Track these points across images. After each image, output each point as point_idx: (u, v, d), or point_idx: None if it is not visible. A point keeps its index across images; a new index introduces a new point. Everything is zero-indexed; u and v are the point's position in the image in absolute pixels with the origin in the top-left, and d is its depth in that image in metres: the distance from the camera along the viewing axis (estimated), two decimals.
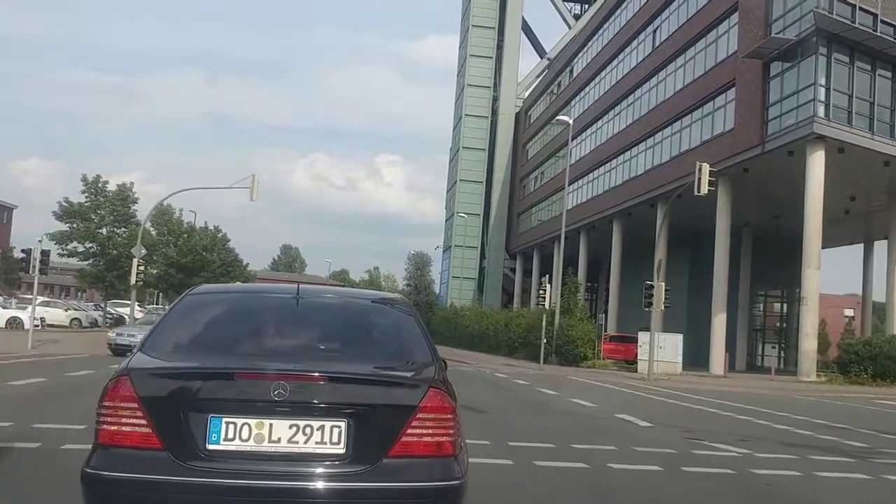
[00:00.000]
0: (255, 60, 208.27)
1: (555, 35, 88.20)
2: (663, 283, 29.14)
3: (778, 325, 58.04)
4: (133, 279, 29.34)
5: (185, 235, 60.20)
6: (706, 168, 26.47)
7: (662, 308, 28.87)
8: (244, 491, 3.62)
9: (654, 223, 43.39)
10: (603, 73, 56.86)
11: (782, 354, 53.36)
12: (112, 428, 3.73)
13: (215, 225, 68.29)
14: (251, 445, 3.72)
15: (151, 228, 57.08)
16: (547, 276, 40.91)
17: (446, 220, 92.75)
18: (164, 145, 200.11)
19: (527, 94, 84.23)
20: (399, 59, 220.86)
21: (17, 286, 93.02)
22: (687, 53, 42.60)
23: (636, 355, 40.91)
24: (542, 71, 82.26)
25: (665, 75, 45.20)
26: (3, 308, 38.10)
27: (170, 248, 58.77)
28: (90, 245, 44.33)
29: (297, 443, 3.75)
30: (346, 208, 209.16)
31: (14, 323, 36.60)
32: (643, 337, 33.20)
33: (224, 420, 3.72)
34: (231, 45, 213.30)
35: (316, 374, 3.88)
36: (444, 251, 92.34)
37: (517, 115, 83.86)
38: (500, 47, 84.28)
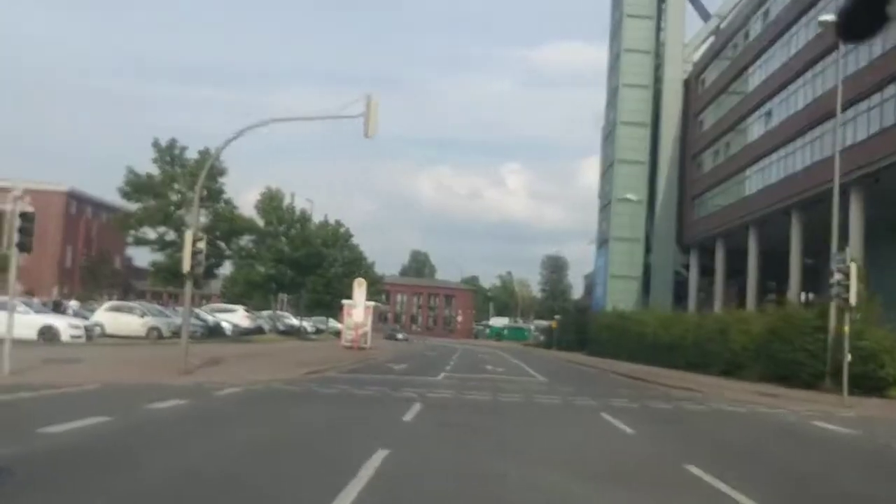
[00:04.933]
0: (375, 73, 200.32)
1: None
2: None
3: None
4: (187, 263, 18.20)
5: (298, 225, 49.80)
6: None
7: None
8: None
9: None
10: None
11: None
12: None
13: (336, 219, 57.89)
14: None
15: (258, 217, 46.83)
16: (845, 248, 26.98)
17: (600, 210, 79.91)
18: (287, 159, 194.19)
19: (696, 56, 70.52)
20: (519, 66, 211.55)
21: (135, 293, 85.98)
22: None
23: None
24: (714, 28, 68.69)
25: None
26: (37, 313, 27.81)
27: (280, 241, 48.48)
28: (164, 230, 34.02)
29: None
30: (471, 217, 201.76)
31: (47, 333, 26.44)
32: None
33: None
34: (351, 59, 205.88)
35: None
36: (598, 247, 79.33)
37: (686, 82, 70.22)
38: (661, 4, 71.40)
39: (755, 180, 51.27)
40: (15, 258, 16.14)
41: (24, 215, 15.72)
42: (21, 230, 15.69)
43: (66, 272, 75.20)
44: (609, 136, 77.12)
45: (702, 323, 39.35)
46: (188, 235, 18.84)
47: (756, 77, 53.00)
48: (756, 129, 52.58)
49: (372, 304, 46.43)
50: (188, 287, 19.82)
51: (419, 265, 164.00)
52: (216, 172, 33.86)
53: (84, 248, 78.30)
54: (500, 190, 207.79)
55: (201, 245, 19.11)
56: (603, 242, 75.78)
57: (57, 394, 13.87)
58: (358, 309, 41.94)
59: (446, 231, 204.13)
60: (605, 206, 75.94)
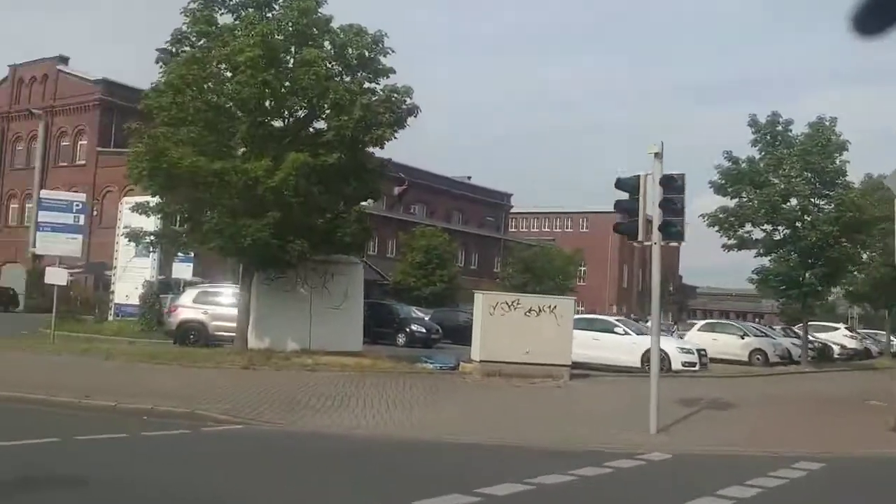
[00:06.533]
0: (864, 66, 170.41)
1: None
2: None
3: None
4: None
5: None
6: None
7: None
8: None
9: None
10: None
11: None
12: None
13: None
14: None
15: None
16: None
17: None
18: None
19: None
20: None
21: (688, 312, 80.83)
22: None
23: None
24: None
25: None
26: (638, 335, 22.02)
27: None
28: (768, 227, 26.90)
29: None
30: None
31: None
32: None
33: None
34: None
35: None
36: None
37: None
38: None
39: None
40: (657, 250, 10.00)
41: (667, 181, 9.62)
42: (665, 205, 9.58)
43: (623, 291, 74.29)
44: None
45: None
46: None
47: None
48: None
49: None
50: None
51: None
52: (833, 148, 25.83)
53: (639, 267, 77.40)
54: None
55: None
56: None
57: (783, 489, 7.42)
58: None
59: None
60: None
